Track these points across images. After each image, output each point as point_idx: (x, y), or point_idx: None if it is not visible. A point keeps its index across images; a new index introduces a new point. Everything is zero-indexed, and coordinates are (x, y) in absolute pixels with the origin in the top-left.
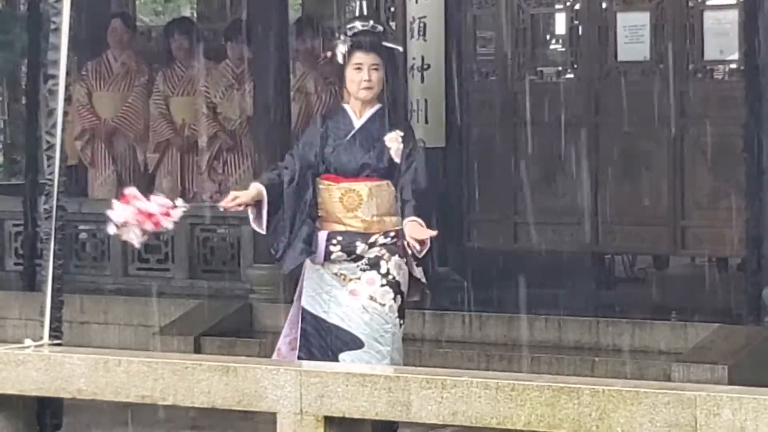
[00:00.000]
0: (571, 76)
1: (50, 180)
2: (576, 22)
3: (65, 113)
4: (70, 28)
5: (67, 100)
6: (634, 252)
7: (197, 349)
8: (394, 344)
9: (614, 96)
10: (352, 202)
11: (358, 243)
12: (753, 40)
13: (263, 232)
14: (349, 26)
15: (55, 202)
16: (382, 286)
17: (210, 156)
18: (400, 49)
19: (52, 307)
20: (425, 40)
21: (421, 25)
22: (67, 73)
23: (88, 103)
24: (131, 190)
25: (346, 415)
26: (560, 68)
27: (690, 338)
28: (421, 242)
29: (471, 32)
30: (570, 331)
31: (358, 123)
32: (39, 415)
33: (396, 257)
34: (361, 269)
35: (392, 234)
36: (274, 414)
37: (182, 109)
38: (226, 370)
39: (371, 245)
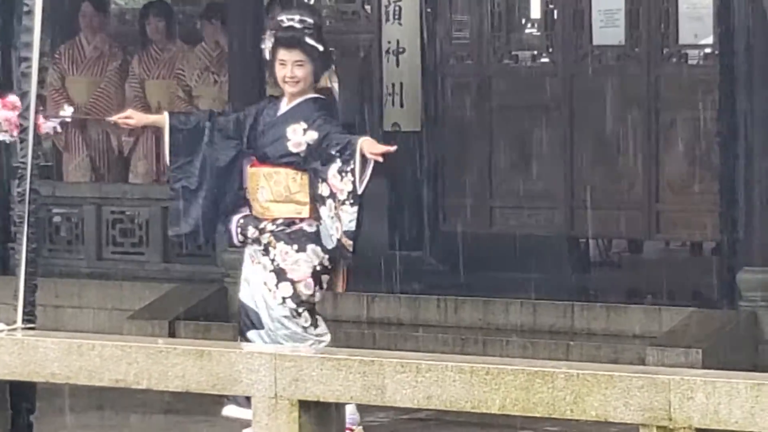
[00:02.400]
0: (546, 60)
1: (23, 163)
2: (551, 6)
3: (40, 96)
4: (43, 10)
5: (41, 83)
6: (609, 236)
7: (172, 333)
8: (279, 330)
9: (589, 80)
10: (254, 187)
11: (249, 227)
12: (727, 25)
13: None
14: (277, 20)
15: (28, 186)
16: (270, 271)
17: None
18: (321, 47)
19: (25, 291)
20: (401, 24)
21: (397, 8)
22: (42, 56)
23: (61, 88)
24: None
25: (321, 399)
26: (535, 52)
27: (664, 322)
28: (382, 155)
29: (446, 16)
30: (545, 315)
31: (281, 111)
32: (12, 399)
33: (281, 244)
34: (261, 253)
35: (280, 221)
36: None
37: (158, 92)
38: (201, 354)
39: (261, 231)
